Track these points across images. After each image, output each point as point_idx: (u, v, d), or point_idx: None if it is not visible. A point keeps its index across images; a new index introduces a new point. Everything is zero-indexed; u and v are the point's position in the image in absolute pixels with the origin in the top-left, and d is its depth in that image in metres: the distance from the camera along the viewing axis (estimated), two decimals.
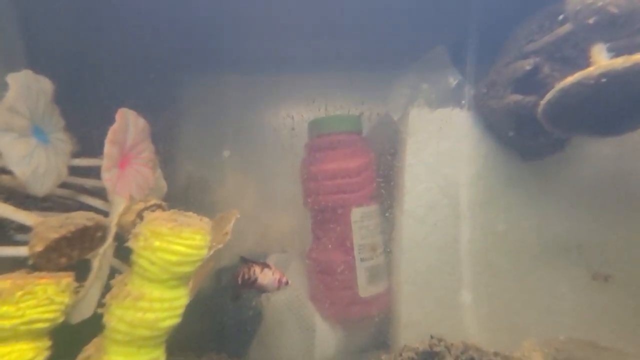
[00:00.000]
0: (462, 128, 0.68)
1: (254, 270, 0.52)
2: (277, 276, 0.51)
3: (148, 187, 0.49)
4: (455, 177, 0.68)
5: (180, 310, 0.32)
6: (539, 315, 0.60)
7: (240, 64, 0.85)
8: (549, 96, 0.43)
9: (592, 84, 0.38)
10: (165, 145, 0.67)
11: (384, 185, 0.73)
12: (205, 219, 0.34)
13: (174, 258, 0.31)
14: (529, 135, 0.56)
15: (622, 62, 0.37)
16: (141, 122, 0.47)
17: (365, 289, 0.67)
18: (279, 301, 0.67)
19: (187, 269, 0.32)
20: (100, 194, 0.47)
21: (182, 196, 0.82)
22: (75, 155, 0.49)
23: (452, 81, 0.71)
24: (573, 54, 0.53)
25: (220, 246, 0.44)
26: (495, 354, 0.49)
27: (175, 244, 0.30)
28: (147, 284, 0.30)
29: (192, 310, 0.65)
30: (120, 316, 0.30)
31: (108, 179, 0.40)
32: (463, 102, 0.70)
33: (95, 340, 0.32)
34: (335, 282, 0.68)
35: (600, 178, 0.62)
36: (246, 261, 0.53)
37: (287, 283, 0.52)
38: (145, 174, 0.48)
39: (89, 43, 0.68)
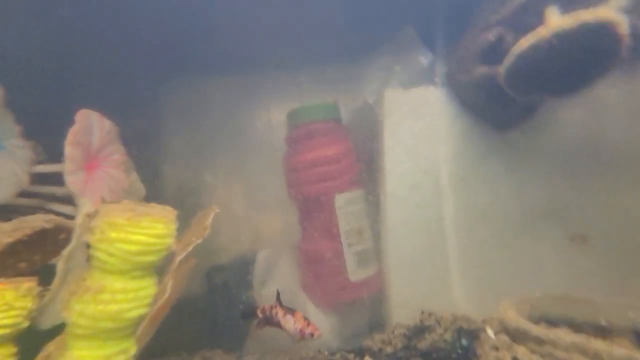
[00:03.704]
0: (437, 106, 0.69)
1: (276, 312, 0.52)
2: (299, 326, 0.50)
3: (122, 189, 0.48)
4: (434, 155, 0.68)
5: (148, 300, 0.31)
6: (524, 281, 0.61)
7: (219, 66, 0.85)
8: (506, 62, 0.44)
9: (545, 45, 0.39)
10: (143, 148, 0.66)
11: (365, 169, 0.73)
12: (169, 208, 0.34)
13: (134, 248, 0.30)
14: (498, 105, 0.57)
15: (570, 21, 0.37)
16: (107, 124, 0.46)
17: (354, 273, 0.67)
18: (269, 294, 0.67)
19: (151, 258, 0.31)
20: (72, 201, 0.46)
21: (169, 201, 0.81)
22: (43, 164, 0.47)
23: (424, 60, 0.72)
24: (535, 22, 0.53)
25: (199, 241, 0.44)
26: (484, 322, 0.50)
27: (135, 233, 0.29)
28: (108, 277, 0.30)
29: (184, 310, 0.65)
30: (81, 311, 0.29)
31: (72, 181, 0.39)
32: (436, 80, 0.70)
33: (58, 338, 0.31)
34: (325, 270, 0.68)
35: (572, 142, 0.63)
36: (277, 298, 0.53)
37: (312, 335, 0.50)
38: (118, 177, 0.47)
39: (64, 46, 0.66)
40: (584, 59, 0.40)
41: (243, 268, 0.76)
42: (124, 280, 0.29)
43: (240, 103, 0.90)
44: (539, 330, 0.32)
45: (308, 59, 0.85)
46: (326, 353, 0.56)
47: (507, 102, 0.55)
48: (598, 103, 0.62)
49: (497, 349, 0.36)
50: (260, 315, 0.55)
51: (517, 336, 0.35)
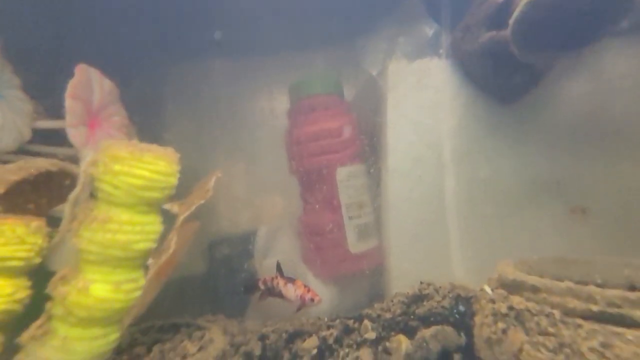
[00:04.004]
0: (441, 78, 0.67)
1: (277, 283, 0.54)
2: (300, 292, 0.52)
3: None
4: (437, 129, 0.68)
5: (155, 236, 0.32)
6: (523, 254, 0.61)
7: (223, 44, 0.84)
8: (516, 13, 0.42)
9: None
10: (145, 116, 0.66)
11: (368, 143, 0.73)
12: (170, 149, 0.34)
13: (138, 182, 0.31)
14: (503, 73, 0.56)
15: None
16: (107, 83, 0.46)
17: (355, 246, 0.68)
18: (270, 264, 0.68)
19: (155, 194, 0.31)
20: (74, 161, 0.47)
21: None
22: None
23: (429, 31, 0.70)
24: None
25: (202, 202, 0.45)
26: (481, 290, 0.50)
27: (138, 167, 0.30)
28: (114, 208, 0.31)
29: (187, 284, 0.66)
30: (90, 238, 0.30)
31: (74, 135, 0.40)
32: (440, 51, 0.69)
33: (71, 264, 0.33)
34: (326, 242, 0.69)
35: (574, 116, 0.62)
36: (278, 268, 0.55)
37: (312, 300, 0.51)
38: (119, 139, 0.47)
39: (69, 33, 0.66)
40: (597, 6, 0.39)
41: (244, 241, 0.77)
42: (130, 214, 0.30)
43: (244, 87, 0.89)
44: (534, 279, 0.33)
45: (311, 33, 0.84)
46: (326, 319, 0.57)
47: (512, 69, 0.53)
48: (602, 77, 0.61)
49: (493, 301, 0.36)
50: (262, 287, 0.57)
51: (513, 289, 0.36)
